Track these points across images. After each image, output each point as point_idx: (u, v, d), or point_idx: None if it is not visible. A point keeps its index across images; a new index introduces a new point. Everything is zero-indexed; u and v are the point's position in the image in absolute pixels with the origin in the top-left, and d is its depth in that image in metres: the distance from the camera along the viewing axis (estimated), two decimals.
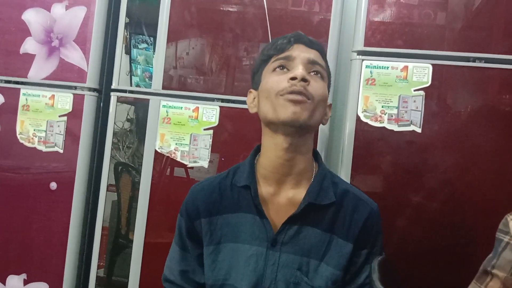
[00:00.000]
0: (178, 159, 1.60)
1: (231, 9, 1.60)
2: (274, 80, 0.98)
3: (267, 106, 0.98)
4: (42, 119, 1.74)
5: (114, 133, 1.72)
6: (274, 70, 1.00)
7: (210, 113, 1.58)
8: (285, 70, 0.99)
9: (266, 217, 1.00)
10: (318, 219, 1.01)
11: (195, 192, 1.09)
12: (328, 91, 1.06)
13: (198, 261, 1.07)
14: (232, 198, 1.05)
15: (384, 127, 1.37)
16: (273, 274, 0.99)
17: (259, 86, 1.03)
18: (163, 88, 1.64)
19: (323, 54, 1.05)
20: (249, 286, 0.99)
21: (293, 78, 0.95)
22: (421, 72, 1.36)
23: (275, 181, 1.02)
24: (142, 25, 1.99)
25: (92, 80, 1.72)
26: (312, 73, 0.99)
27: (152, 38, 1.98)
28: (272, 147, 1.00)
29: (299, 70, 0.96)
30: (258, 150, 1.08)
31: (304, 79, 0.95)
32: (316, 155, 1.08)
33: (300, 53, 0.99)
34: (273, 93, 0.97)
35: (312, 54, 1.01)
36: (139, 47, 2.02)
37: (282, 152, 0.99)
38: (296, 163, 1.01)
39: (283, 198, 1.02)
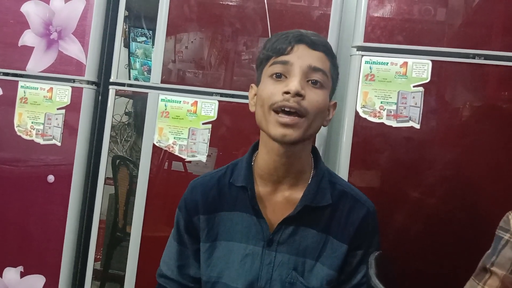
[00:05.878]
0: (176, 153, 1.59)
1: (230, 3, 1.59)
2: (269, 89, 0.94)
3: (261, 115, 0.96)
4: (40, 111, 1.73)
5: (112, 127, 1.71)
6: (271, 76, 0.95)
7: (209, 108, 1.58)
8: (282, 78, 0.93)
9: (263, 217, 1.00)
10: (314, 220, 1.00)
11: (194, 188, 1.08)
12: (334, 89, 1.02)
13: (195, 256, 1.07)
14: (230, 196, 1.04)
15: (382, 123, 1.37)
16: (268, 274, 0.99)
17: (259, 85, 1.00)
18: (162, 82, 1.63)
19: (329, 53, 0.97)
20: (245, 285, 0.99)
21: (287, 92, 0.90)
22: (421, 68, 1.35)
23: (272, 181, 1.01)
24: (141, 18, 1.98)
25: (90, 73, 1.72)
26: (310, 82, 0.93)
27: (151, 32, 1.97)
28: (269, 151, 0.98)
29: (293, 83, 0.90)
30: (256, 147, 1.07)
31: (298, 94, 0.90)
32: (315, 153, 1.06)
33: (299, 59, 0.92)
34: (266, 105, 0.93)
35: (314, 58, 0.93)
36: (138, 40, 2.01)
37: (277, 157, 0.97)
38: (293, 166, 0.99)
39: (280, 197, 1.02)
